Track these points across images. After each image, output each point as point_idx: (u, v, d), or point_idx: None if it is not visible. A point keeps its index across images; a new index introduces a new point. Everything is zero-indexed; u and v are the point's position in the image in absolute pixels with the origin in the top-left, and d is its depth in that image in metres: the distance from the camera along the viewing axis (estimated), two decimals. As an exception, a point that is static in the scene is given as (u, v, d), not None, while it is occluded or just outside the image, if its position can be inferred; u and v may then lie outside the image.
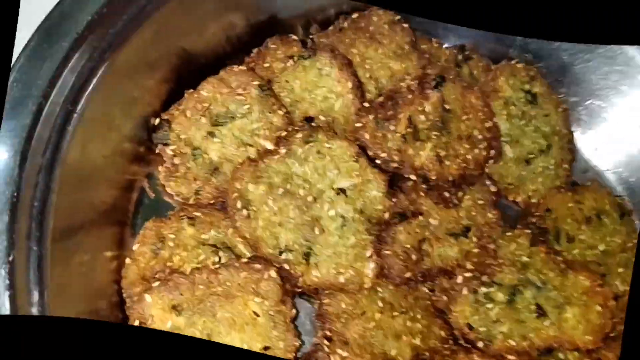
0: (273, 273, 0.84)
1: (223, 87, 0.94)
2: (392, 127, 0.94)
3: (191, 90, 0.94)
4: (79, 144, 0.80)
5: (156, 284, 0.82)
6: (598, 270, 0.94)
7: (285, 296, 0.84)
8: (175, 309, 0.80)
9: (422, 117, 0.94)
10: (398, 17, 1.03)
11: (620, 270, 0.95)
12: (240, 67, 0.96)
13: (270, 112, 0.92)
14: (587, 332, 0.87)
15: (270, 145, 0.91)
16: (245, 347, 0.80)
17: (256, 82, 0.94)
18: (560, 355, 0.88)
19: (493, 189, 0.98)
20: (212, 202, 0.92)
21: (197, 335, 0.79)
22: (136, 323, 0.80)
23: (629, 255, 0.95)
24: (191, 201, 0.92)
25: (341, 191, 0.88)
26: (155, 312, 0.80)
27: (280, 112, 0.93)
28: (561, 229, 0.97)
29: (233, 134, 0.92)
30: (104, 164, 0.88)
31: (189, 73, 0.96)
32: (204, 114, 0.92)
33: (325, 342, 0.84)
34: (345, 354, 0.82)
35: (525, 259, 0.91)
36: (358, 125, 0.95)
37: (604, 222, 0.98)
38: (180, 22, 0.92)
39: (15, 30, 0.80)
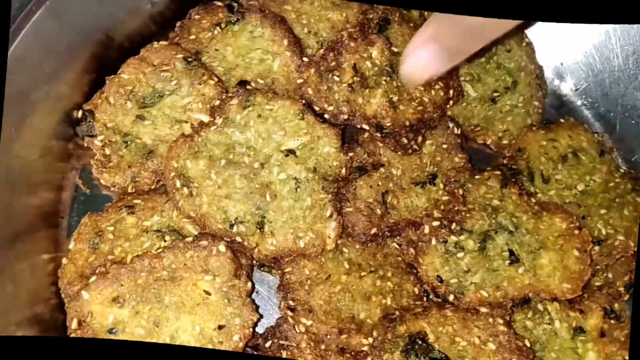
0: (222, 247, 0.78)
1: (145, 67, 0.89)
2: (336, 78, 0.88)
3: (112, 76, 0.89)
4: (3, 151, 0.77)
5: (93, 278, 0.77)
6: (577, 212, 0.88)
7: (240, 270, 0.79)
8: (116, 301, 0.75)
9: (369, 64, 0.88)
10: (332, -34, 0.98)
11: (602, 211, 0.89)
12: (161, 43, 0.91)
13: (200, 84, 0.88)
14: (565, 279, 0.81)
15: (205, 118, 0.86)
16: (197, 329, 0.74)
17: (180, 55, 0.89)
18: (539, 307, 0.82)
19: (457, 131, 0.92)
20: (152, 187, 0.88)
21: (144, 325, 0.74)
22: (74, 322, 0.75)
23: (611, 195, 0.90)
24: (130, 189, 0.87)
25: (290, 152, 0.82)
26: (95, 307, 0.75)
27: (212, 82, 0.88)
28: (535, 169, 0.91)
29: (164, 113, 0.88)
30: (32, 167, 0.84)
31: (115, 60, 0.91)
32: (129, 98, 0.88)
33: (289, 312, 0.78)
34: (309, 322, 0.77)
35: (496, 202, 0.85)
36: (300, 81, 0.89)
37: (581, 160, 0.93)
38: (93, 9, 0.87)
39: None
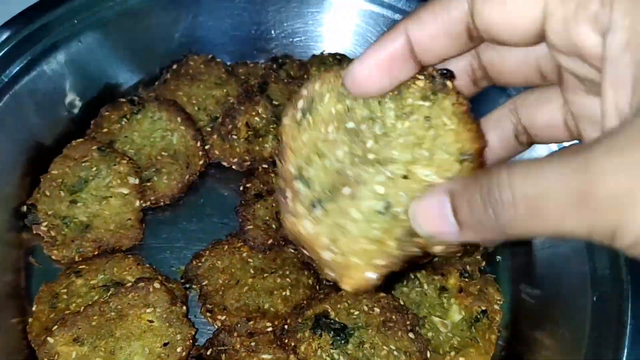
0: (157, 284, 0.94)
1: (69, 161, 1.08)
2: (235, 137, 1.13)
3: (44, 174, 1.07)
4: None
5: (55, 327, 0.91)
6: None
7: (175, 299, 0.94)
8: (77, 341, 0.89)
9: (257, 119, 1.14)
10: (211, 56, 1.25)
11: None
12: (78, 140, 1.11)
13: (115, 165, 1.07)
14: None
15: (126, 190, 1.05)
16: (146, 350, 0.89)
17: (95, 147, 1.09)
18: (411, 275, 1.00)
19: None
20: (95, 252, 1.03)
21: (102, 355, 0.88)
22: None
23: None
24: (77, 259, 1.02)
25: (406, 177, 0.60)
26: (60, 348, 0.88)
27: (124, 161, 1.08)
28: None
29: (92, 194, 1.05)
30: None
31: (47, 160, 1.09)
32: (61, 188, 1.05)
33: (208, 314, 0.95)
34: (223, 317, 0.93)
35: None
36: (207, 146, 1.14)
37: None
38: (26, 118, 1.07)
39: None
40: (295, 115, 0.59)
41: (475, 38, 0.51)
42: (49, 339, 0.89)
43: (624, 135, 0.39)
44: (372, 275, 0.56)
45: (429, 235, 0.51)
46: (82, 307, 0.93)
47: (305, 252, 0.61)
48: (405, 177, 0.55)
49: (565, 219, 0.40)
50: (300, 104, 0.58)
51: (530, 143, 0.61)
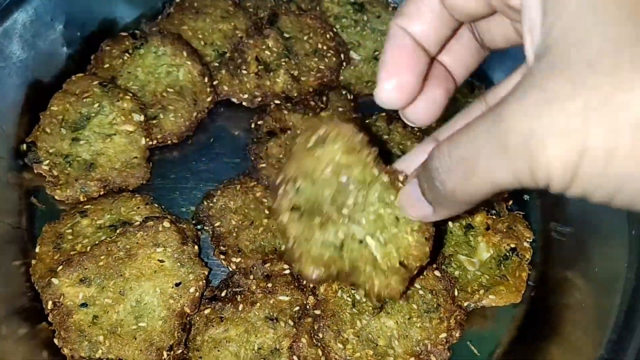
0: (167, 224, 0.90)
1: (69, 97, 1.01)
2: (244, 72, 1.05)
3: (44, 111, 1.01)
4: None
5: (59, 267, 0.86)
6: None
7: (186, 238, 0.90)
8: (83, 281, 0.85)
9: (268, 53, 1.06)
10: (216, -12, 1.15)
11: None
12: (78, 75, 1.04)
13: (119, 101, 1.00)
14: None
15: (131, 127, 0.99)
16: (158, 290, 0.85)
17: (96, 82, 1.02)
18: None
19: (350, 96, 1.08)
20: (100, 193, 0.98)
21: (111, 295, 0.84)
22: (50, 304, 0.84)
23: None
24: (81, 199, 0.97)
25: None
26: (65, 289, 0.84)
27: (128, 97, 1.01)
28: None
29: (95, 132, 0.99)
30: None
31: (45, 97, 1.03)
32: (62, 126, 0.99)
33: (222, 256, 0.90)
34: (238, 259, 0.88)
35: (385, 136, 1.00)
36: (215, 82, 1.07)
37: (457, 97, 1.04)
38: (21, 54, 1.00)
39: None
40: (308, 141, 0.68)
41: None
42: (53, 280, 0.85)
43: (526, 80, 0.42)
44: (317, 272, 0.69)
45: (418, 219, 0.62)
46: (89, 247, 0.89)
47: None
48: (360, 242, 0.68)
49: (495, 170, 0.44)
50: (314, 138, 0.67)
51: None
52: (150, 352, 0.81)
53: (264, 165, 0.97)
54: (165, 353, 0.82)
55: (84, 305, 0.83)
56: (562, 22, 0.42)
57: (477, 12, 0.55)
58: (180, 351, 0.84)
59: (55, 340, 0.83)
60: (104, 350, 0.81)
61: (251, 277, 0.88)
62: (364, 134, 0.67)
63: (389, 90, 0.56)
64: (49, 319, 0.84)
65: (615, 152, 0.39)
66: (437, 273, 0.86)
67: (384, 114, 1.04)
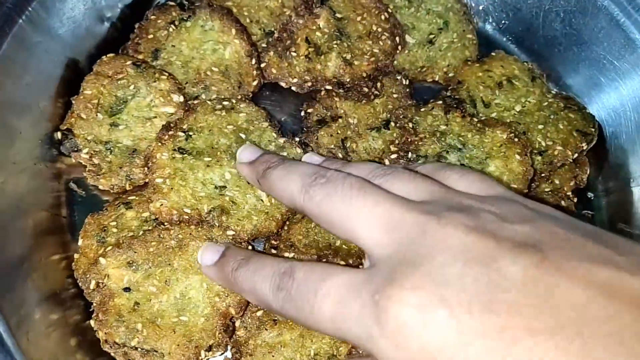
0: None
1: (102, 79, 0.95)
2: (294, 54, 0.99)
3: (76, 96, 0.95)
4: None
5: (109, 248, 0.83)
6: (518, 128, 0.96)
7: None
8: (130, 265, 0.81)
9: (319, 34, 0.99)
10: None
11: (540, 127, 0.97)
12: (109, 55, 0.98)
13: (155, 81, 0.95)
14: (511, 180, 0.89)
15: (171, 109, 0.93)
16: (205, 285, 0.81)
17: (129, 62, 0.96)
18: None
19: (405, 82, 1.01)
20: (146, 180, 0.92)
21: (156, 284, 0.80)
22: (93, 284, 0.81)
23: (546, 113, 0.99)
24: (127, 187, 0.92)
25: None
26: (111, 271, 0.81)
27: (164, 77, 0.95)
28: (476, 96, 1.00)
29: (133, 116, 0.94)
30: (26, 195, 0.88)
31: (78, 82, 0.97)
32: (98, 110, 0.94)
33: (273, 251, 0.86)
34: (291, 254, 0.84)
35: (443, 127, 0.94)
36: (263, 64, 1.00)
37: (515, 86, 1.02)
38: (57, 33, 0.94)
39: None
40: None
41: None
42: (100, 259, 0.82)
43: None
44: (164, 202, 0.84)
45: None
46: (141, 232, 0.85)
47: None
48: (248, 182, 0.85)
49: None
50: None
51: None
52: (188, 348, 0.78)
53: (314, 156, 0.90)
54: (203, 353, 0.79)
55: (127, 289, 0.80)
56: None
57: None
58: (219, 353, 0.80)
59: (92, 322, 0.80)
60: (140, 340, 0.78)
61: None
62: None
63: None
64: (89, 298, 0.82)
65: None
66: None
67: (440, 102, 0.97)
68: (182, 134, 0.88)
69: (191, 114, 0.90)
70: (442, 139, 0.92)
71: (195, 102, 0.93)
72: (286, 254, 0.84)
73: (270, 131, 0.92)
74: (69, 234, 0.92)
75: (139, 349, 0.77)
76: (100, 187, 0.92)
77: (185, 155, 0.86)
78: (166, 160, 0.86)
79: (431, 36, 1.06)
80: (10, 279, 0.78)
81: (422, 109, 0.96)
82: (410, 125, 0.94)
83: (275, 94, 1.03)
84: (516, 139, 0.91)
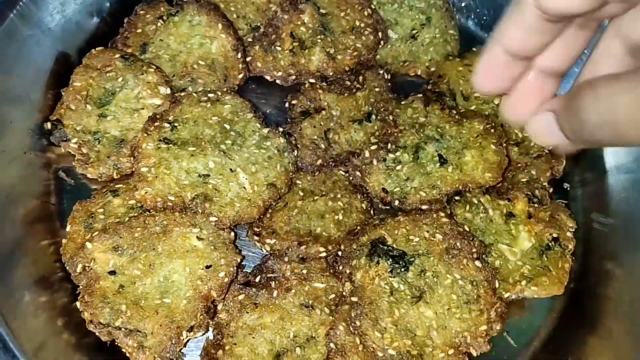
0: None
1: (91, 72, 0.98)
2: (279, 48, 1.02)
3: (65, 87, 0.97)
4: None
5: (96, 233, 0.85)
6: (496, 121, 0.98)
7: None
8: (116, 249, 0.84)
9: (303, 29, 1.02)
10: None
11: None
12: (98, 49, 1.00)
13: (143, 74, 0.97)
14: (486, 169, 0.91)
15: (158, 101, 0.95)
16: (187, 269, 0.83)
17: (117, 55, 0.98)
18: (474, 200, 0.92)
19: (387, 76, 1.04)
20: (133, 169, 0.93)
21: (140, 267, 0.82)
22: (79, 267, 0.83)
23: None
24: (115, 176, 0.95)
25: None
26: (97, 255, 0.83)
27: (152, 70, 0.97)
28: (456, 90, 1.03)
29: (121, 107, 0.96)
30: (17, 184, 0.90)
31: (68, 74, 0.99)
32: (87, 102, 0.96)
33: (255, 237, 0.88)
34: (272, 241, 0.86)
35: (422, 119, 0.96)
36: (248, 58, 1.03)
37: None
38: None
39: None
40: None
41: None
42: (87, 244, 0.84)
43: None
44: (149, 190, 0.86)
45: (544, 144, 0.61)
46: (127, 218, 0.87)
47: None
48: (232, 170, 0.89)
49: (633, 129, 0.45)
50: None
51: None
52: (170, 328, 0.80)
53: (298, 146, 0.93)
54: (185, 333, 0.81)
55: (112, 273, 0.83)
56: None
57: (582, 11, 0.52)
58: (200, 334, 0.83)
59: (78, 304, 0.82)
60: (124, 320, 0.80)
61: (286, 259, 0.86)
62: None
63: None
64: (75, 281, 0.84)
65: None
66: (477, 263, 0.83)
67: (420, 95, 1.00)
68: (168, 125, 0.91)
69: (177, 106, 0.93)
70: (421, 130, 0.95)
71: (182, 94, 0.95)
72: (268, 240, 0.86)
73: (254, 122, 0.94)
74: (57, 221, 0.94)
75: (123, 329, 0.79)
76: (89, 175, 0.94)
77: (170, 145, 0.89)
78: (151, 150, 0.88)
79: (414, 31, 1.08)
80: (2, 265, 0.81)
81: (403, 102, 0.99)
82: (391, 117, 0.96)
83: (261, 87, 1.05)
84: (492, 130, 0.94)
